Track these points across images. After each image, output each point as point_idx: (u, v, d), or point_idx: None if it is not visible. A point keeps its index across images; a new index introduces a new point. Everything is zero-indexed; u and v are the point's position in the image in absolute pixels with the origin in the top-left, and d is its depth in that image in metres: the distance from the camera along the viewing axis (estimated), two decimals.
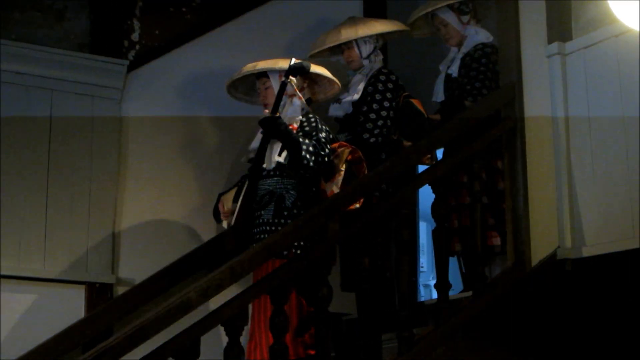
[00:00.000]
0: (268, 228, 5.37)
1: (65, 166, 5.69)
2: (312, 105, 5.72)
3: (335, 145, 5.50)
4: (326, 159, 5.34)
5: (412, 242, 5.54)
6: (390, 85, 5.96)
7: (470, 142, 5.15)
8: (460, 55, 5.95)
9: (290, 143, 5.27)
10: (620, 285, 5.10)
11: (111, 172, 5.82)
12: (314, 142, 5.32)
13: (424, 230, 7.09)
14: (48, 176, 5.64)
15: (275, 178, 5.44)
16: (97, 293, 5.63)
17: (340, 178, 5.38)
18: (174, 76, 6.17)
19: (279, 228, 5.30)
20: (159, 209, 5.97)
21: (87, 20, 5.95)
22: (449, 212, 5.42)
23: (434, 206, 5.06)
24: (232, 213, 5.41)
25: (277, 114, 5.34)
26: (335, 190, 5.31)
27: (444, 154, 5.70)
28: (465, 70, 5.87)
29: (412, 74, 6.86)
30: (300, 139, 5.28)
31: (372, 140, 5.83)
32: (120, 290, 5.67)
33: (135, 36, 6.04)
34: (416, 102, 5.90)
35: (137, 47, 6.04)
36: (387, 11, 7.12)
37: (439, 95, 6.06)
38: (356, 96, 5.99)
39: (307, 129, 5.42)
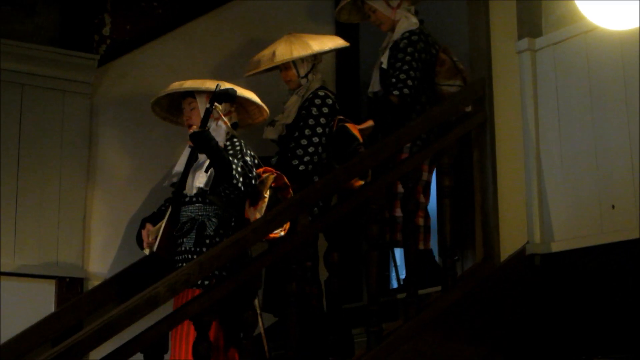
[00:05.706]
0: (189, 256, 5.14)
1: (35, 161, 5.64)
2: (239, 130, 5.52)
3: (260, 170, 5.29)
4: (253, 181, 5.14)
5: (382, 237, 5.52)
6: (325, 110, 5.66)
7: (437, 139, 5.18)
8: (391, 44, 5.80)
9: (219, 159, 5.04)
10: (588, 280, 5.13)
11: (81, 166, 5.78)
12: (241, 163, 5.12)
13: None
14: (18, 171, 5.60)
15: (197, 204, 5.26)
16: (67, 288, 5.60)
17: (264, 205, 5.14)
18: (145, 71, 6.13)
19: None
20: (130, 204, 5.94)
21: (58, 14, 5.90)
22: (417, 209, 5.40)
23: (403, 202, 5.07)
24: (155, 239, 5.24)
25: (207, 128, 5.16)
26: (259, 217, 5.06)
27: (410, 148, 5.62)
28: (394, 61, 5.71)
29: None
30: (230, 158, 5.09)
31: (301, 167, 5.57)
32: (91, 285, 5.65)
33: (106, 30, 6.00)
34: (351, 127, 5.60)
35: (108, 41, 6.00)
36: None
37: (375, 85, 5.88)
38: (289, 119, 5.75)
39: (231, 152, 5.21)
